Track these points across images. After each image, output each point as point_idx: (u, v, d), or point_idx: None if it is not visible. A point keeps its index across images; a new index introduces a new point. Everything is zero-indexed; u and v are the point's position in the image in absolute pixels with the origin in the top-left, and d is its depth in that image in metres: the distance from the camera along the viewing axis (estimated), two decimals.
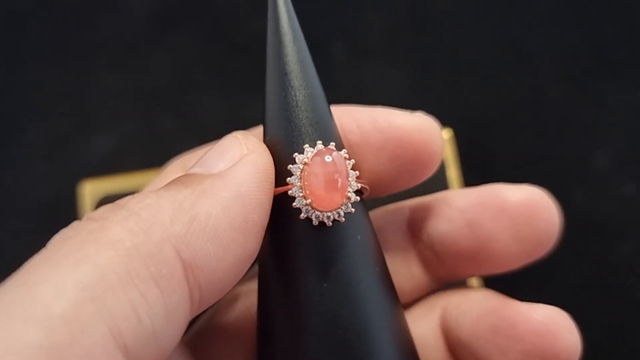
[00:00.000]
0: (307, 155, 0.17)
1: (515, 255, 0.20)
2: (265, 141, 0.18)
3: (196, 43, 0.40)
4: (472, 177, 0.33)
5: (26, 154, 0.39)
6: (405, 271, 0.21)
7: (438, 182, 0.30)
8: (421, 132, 0.19)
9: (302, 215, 0.17)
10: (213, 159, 0.17)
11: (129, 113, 0.39)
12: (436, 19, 0.40)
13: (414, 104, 0.40)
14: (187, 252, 0.14)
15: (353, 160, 0.17)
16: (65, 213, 0.37)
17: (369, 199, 0.19)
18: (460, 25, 0.40)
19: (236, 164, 0.16)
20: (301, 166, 0.17)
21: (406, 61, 0.40)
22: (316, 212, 0.17)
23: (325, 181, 0.16)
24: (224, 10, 0.41)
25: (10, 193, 0.38)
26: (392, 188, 0.20)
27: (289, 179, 0.17)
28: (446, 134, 0.31)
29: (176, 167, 0.22)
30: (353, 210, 0.17)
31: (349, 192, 0.17)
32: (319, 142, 0.17)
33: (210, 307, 0.17)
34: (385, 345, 0.17)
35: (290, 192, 0.17)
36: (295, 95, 0.17)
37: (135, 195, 0.15)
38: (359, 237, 0.17)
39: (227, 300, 0.22)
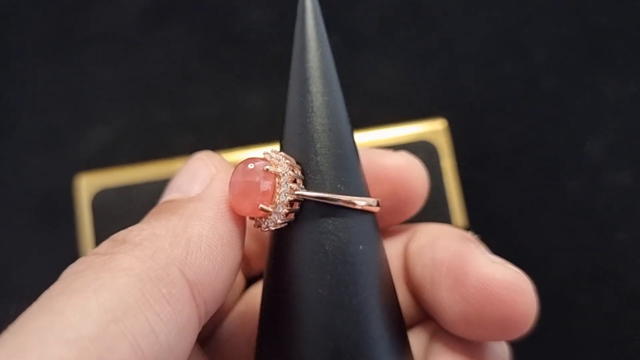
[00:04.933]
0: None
1: (464, 333, 0.19)
2: (281, 144, 0.18)
3: (191, 35, 0.40)
4: (467, 167, 0.33)
5: (21, 147, 0.39)
6: (399, 296, 0.21)
7: (433, 173, 0.30)
8: (402, 170, 0.20)
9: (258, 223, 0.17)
10: (186, 183, 0.18)
11: (124, 106, 0.39)
12: (431, 9, 0.40)
13: (407, 94, 0.40)
14: (190, 272, 0.16)
15: (299, 167, 0.17)
16: (62, 206, 0.37)
17: None
18: (455, 16, 0.40)
19: (210, 185, 0.17)
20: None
21: (401, 52, 0.40)
22: (264, 219, 0.17)
23: (239, 190, 0.17)
24: (219, 2, 0.41)
25: (6, 187, 0.38)
26: (391, 221, 0.21)
27: None
28: (441, 124, 0.31)
29: None
30: (293, 218, 0.17)
31: (276, 200, 0.17)
32: (271, 150, 0.17)
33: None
34: (376, 357, 0.17)
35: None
36: (312, 101, 0.17)
37: (131, 229, 0.16)
38: (361, 247, 0.17)
39: (234, 301, 0.23)
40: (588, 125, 0.38)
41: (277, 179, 0.17)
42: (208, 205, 0.17)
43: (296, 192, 0.17)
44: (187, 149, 0.38)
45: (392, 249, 0.21)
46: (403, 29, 0.40)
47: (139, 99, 0.39)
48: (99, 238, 0.31)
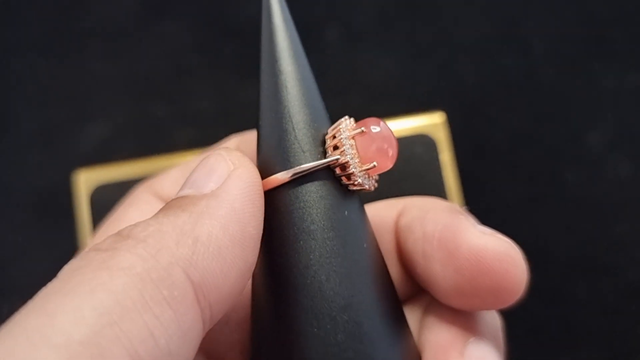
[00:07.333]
0: (351, 123, 0.18)
1: (457, 304, 0.19)
2: (258, 124, 0.19)
3: (188, 29, 0.40)
4: (465, 160, 0.33)
5: (20, 143, 0.39)
6: (393, 271, 0.21)
7: (431, 166, 0.30)
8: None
9: (360, 181, 0.18)
10: (202, 179, 0.17)
11: (122, 101, 0.39)
12: (429, 2, 0.40)
13: (407, 87, 0.40)
14: (196, 273, 0.15)
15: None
16: (60, 202, 0.37)
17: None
18: (453, 8, 0.40)
19: (226, 181, 0.17)
20: (349, 133, 0.18)
21: (399, 44, 0.39)
22: (370, 178, 0.18)
23: (378, 148, 0.18)
24: None
25: (5, 183, 0.38)
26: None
27: (341, 149, 0.18)
28: (440, 117, 0.31)
29: (143, 191, 0.22)
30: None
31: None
32: (346, 117, 0.18)
33: None
34: (371, 317, 0.17)
35: (345, 159, 0.18)
36: (285, 80, 0.18)
37: (137, 224, 0.16)
38: (346, 212, 0.18)
39: None
40: (587, 116, 0.38)
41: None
42: (221, 203, 0.16)
43: None
44: (186, 144, 0.38)
45: (383, 224, 0.21)
46: (401, 22, 0.40)
47: (137, 94, 0.39)
48: None
